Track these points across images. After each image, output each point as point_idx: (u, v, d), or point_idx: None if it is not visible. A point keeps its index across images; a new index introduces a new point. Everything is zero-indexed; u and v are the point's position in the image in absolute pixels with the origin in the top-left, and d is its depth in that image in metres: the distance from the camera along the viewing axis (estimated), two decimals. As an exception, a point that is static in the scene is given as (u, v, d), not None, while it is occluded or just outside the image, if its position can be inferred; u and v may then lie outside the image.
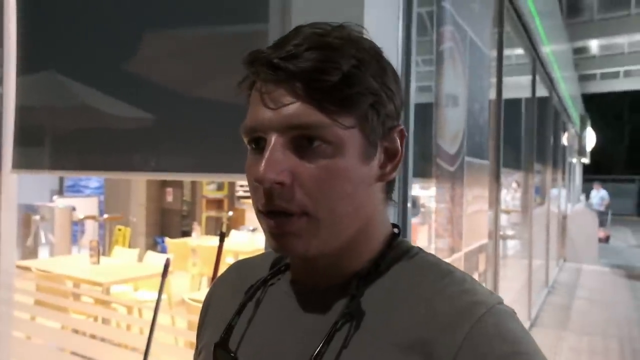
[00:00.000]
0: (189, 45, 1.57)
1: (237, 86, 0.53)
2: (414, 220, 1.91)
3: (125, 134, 1.69)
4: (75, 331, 2.53)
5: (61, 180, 9.03)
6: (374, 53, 0.52)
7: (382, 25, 1.26)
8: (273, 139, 0.48)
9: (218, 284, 0.69)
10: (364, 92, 0.49)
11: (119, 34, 1.65)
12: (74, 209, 7.03)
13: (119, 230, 6.77)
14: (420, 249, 0.56)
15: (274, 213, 0.49)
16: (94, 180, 9.20)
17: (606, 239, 13.07)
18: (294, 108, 0.48)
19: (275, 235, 0.50)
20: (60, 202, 7.27)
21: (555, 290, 6.99)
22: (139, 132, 1.63)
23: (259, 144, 0.50)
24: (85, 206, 7.58)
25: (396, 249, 0.55)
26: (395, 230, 0.57)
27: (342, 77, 0.47)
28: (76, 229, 7.25)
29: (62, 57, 1.79)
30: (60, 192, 8.84)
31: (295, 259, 0.56)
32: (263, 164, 0.47)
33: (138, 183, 7.48)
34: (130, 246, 6.33)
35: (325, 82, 0.47)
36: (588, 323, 5.47)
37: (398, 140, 0.54)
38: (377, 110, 0.50)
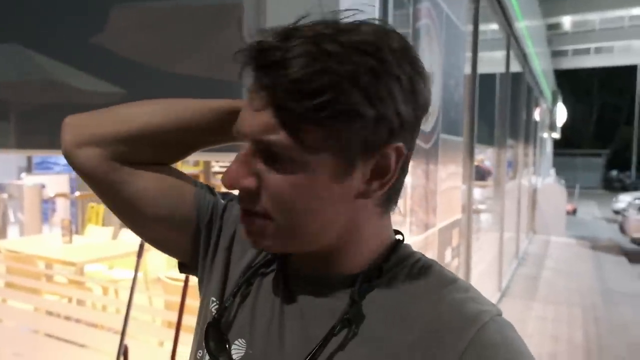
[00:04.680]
0: (161, 16, 1.52)
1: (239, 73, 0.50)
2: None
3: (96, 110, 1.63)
4: (49, 313, 2.50)
5: (29, 157, 8.75)
6: (375, 63, 0.46)
7: None
8: (248, 145, 0.50)
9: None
10: (338, 114, 0.45)
11: (87, 4, 1.58)
12: (43, 186, 6.84)
13: (92, 208, 6.64)
14: (422, 254, 0.57)
15: (245, 211, 0.51)
16: (63, 157, 8.94)
17: (573, 212, 13.52)
18: (263, 121, 0.47)
19: (245, 230, 0.52)
20: (28, 180, 7.05)
21: (525, 262, 7.23)
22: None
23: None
24: (56, 183, 7.36)
25: (399, 254, 0.55)
26: (399, 236, 0.57)
27: (317, 100, 0.44)
28: (47, 207, 7.07)
29: (27, 29, 1.71)
30: (29, 169, 8.56)
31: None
32: (228, 169, 0.49)
33: (110, 160, 7.29)
34: (104, 224, 6.21)
35: (298, 103, 0.45)
36: (554, 292, 5.70)
37: (393, 157, 0.49)
38: (356, 130, 0.46)
